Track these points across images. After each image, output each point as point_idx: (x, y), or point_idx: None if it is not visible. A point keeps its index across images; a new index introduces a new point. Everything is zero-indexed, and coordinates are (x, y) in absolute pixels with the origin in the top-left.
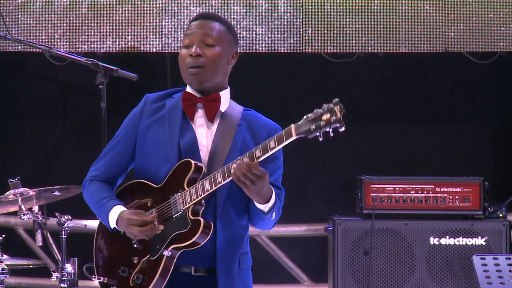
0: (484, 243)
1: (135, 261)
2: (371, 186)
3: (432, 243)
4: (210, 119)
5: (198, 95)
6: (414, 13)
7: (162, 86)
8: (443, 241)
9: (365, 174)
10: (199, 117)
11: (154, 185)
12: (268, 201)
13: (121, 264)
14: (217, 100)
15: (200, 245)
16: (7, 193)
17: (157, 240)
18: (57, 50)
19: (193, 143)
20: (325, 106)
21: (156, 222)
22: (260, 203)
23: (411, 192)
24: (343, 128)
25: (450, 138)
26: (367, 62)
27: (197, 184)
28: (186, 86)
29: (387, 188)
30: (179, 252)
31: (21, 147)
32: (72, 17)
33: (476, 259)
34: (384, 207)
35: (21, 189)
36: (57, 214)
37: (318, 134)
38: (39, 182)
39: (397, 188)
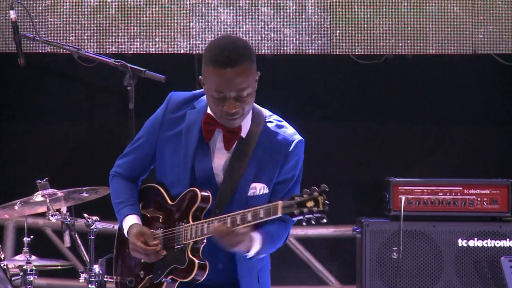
0: None
1: (141, 276)
2: (399, 187)
3: (460, 245)
4: (227, 148)
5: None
6: (442, 14)
7: (190, 87)
8: (472, 243)
9: (393, 176)
10: (218, 142)
11: (169, 201)
12: (249, 251)
13: (130, 273)
14: (238, 133)
15: (200, 280)
16: (36, 194)
17: (160, 265)
18: (86, 52)
19: (209, 169)
20: (312, 191)
21: (160, 249)
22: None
23: (439, 194)
24: (325, 220)
25: (478, 140)
26: (395, 63)
27: (198, 223)
28: None
29: (415, 190)
30: (179, 281)
31: (50, 148)
32: (100, 18)
33: (504, 261)
34: (412, 209)
35: (49, 190)
36: (85, 215)
37: (301, 218)
38: (67, 183)
39: (425, 190)
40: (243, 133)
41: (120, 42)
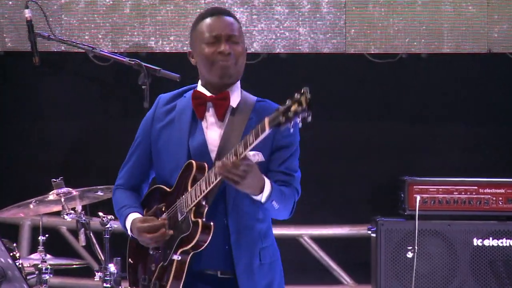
0: None
1: (153, 268)
2: (414, 187)
3: (475, 244)
4: (220, 117)
5: (208, 94)
6: (457, 13)
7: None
8: (487, 242)
9: (408, 175)
10: (210, 116)
11: (168, 189)
12: (261, 191)
13: (142, 272)
14: (227, 98)
15: (205, 245)
16: (50, 193)
17: (168, 245)
18: (100, 50)
19: (203, 144)
20: (294, 96)
21: (166, 226)
22: (255, 195)
23: (455, 193)
24: (309, 118)
25: (493, 139)
26: (410, 62)
27: (195, 186)
28: (197, 84)
29: (430, 189)
30: (190, 255)
31: (64, 147)
32: (115, 17)
33: None
34: (427, 208)
35: (64, 189)
36: (100, 214)
37: (288, 125)
38: (82, 182)
39: (441, 189)
40: (233, 103)
41: (135, 41)
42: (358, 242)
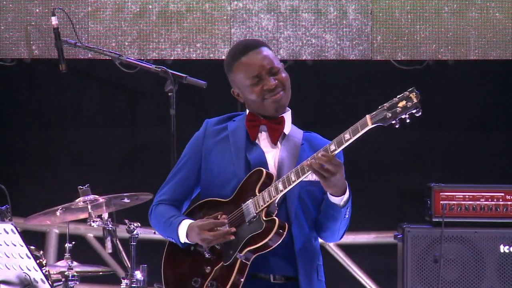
0: None
1: (208, 271)
2: (441, 193)
3: (502, 251)
4: (274, 141)
5: (262, 118)
6: (484, 20)
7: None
8: None
9: (435, 182)
10: (263, 139)
11: (224, 200)
12: (343, 193)
13: (193, 276)
14: (282, 123)
15: (273, 247)
16: (77, 200)
17: (230, 246)
18: (127, 58)
19: (262, 158)
20: (400, 95)
21: (227, 226)
22: (335, 196)
23: (481, 199)
24: (419, 113)
25: None
26: (436, 69)
27: (269, 187)
28: (245, 111)
29: (456, 196)
30: (254, 256)
31: (91, 154)
32: (141, 24)
33: None
34: (453, 215)
35: (91, 196)
36: (126, 221)
37: (394, 121)
38: (109, 189)
39: (467, 196)
40: (286, 129)
41: (161, 48)
42: (384, 249)
